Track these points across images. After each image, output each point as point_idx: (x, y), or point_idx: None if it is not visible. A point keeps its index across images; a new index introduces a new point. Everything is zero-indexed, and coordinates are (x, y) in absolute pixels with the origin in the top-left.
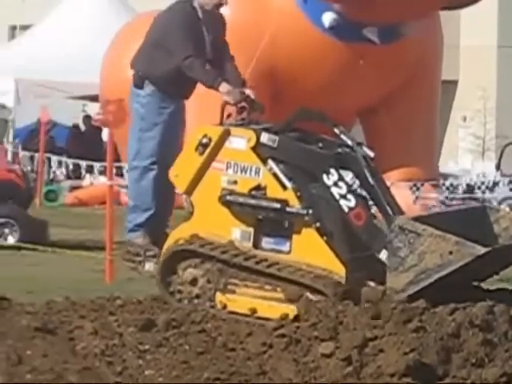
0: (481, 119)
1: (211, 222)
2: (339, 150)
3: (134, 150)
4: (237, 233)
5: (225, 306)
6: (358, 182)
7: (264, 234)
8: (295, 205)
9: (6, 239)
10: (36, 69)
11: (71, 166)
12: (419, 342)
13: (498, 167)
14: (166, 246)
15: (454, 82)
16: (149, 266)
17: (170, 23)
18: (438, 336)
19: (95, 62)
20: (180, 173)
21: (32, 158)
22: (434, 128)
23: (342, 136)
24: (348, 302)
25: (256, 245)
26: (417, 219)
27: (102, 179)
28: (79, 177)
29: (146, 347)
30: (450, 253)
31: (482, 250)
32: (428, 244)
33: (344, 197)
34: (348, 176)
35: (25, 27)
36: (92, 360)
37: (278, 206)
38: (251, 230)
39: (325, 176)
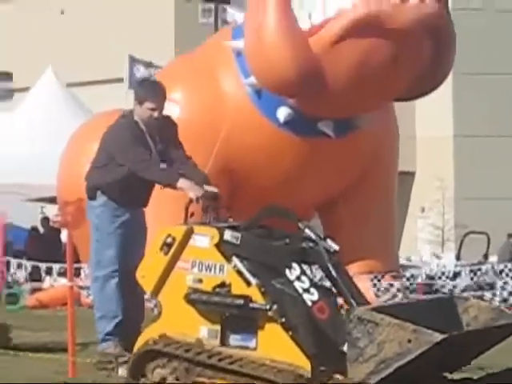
0: (439, 209)
1: (179, 321)
2: (303, 244)
3: (94, 262)
4: (204, 331)
5: None
6: (322, 274)
7: (231, 330)
8: (260, 301)
9: None
10: None
11: (30, 269)
12: None
13: (457, 257)
14: (135, 348)
15: (412, 173)
16: (122, 371)
17: (117, 136)
18: None
19: (52, 163)
20: (146, 273)
21: None
22: (391, 219)
23: (306, 231)
24: None
25: (223, 342)
26: (377, 309)
27: (62, 281)
28: (39, 279)
29: None
30: (409, 341)
31: (439, 337)
32: (386, 333)
33: (307, 291)
34: (311, 269)
35: None
36: None
37: (241, 302)
38: (218, 327)
39: (287, 271)
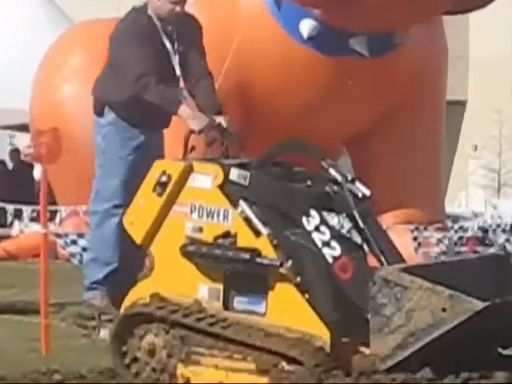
0: (495, 148)
1: (174, 278)
2: (327, 188)
3: (94, 192)
4: (204, 291)
5: (187, 380)
6: (347, 224)
7: (235, 291)
8: (271, 255)
9: None
10: None
11: None
12: None
13: None
14: (122, 307)
15: (462, 103)
16: (104, 332)
17: (123, 37)
18: None
19: (24, 83)
20: (135, 219)
21: None
22: (437, 159)
23: (331, 170)
24: (335, 372)
25: (226, 305)
26: (407, 270)
27: (35, 227)
28: (5, 224)
29: None
30: (443, 310)
31: (480, 306)
32: (417, 299)
33: (327, 244)
34: (334, 218)
35: None
36: None
37: (248, 256)
38: (220, 286)
39: (305, 219)
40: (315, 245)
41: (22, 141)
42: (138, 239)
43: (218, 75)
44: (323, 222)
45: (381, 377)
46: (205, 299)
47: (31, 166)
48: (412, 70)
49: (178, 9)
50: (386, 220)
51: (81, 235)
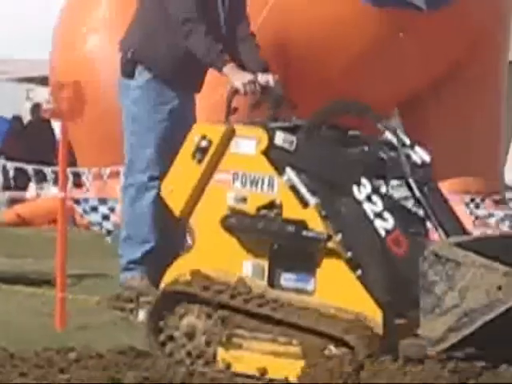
0: None
1: (216, 254)
2: (381, 153)
3: (126, 164)
4: (248, 267)
5: (228, 366)
6: (404, 193)
7: (281, 267)
8: (319, 228)
9: None
10: None
11: (12, 173)
12: None
13: None
14: (161, 286)
15: None
16: (142, 314)
17: None
18: None
19: (44, 33)
20: (175, 188)
21: None
22: (498, 124)
23: (387, 134)
24: (384, 358)
25: (272, 282)
26: (462, 244)
27: (52, 190)
28: (22, 187)
29: None
30: (499, 288)
31: None
32: (471, 277)
33: (380, 215)
34: (389, 187)
35: None
36: None
37: (295, 229)
38: (265, 263)
39: (355, 188)
40: (366, 216)
41: (41, 95)
42: (177, 210)
43: (255, 23)
44: (375, 191)
45: (429, 365)
46: (248, 276)
47: (51, 123)
48: (470, 27)
49: None
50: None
51: (102, 201)
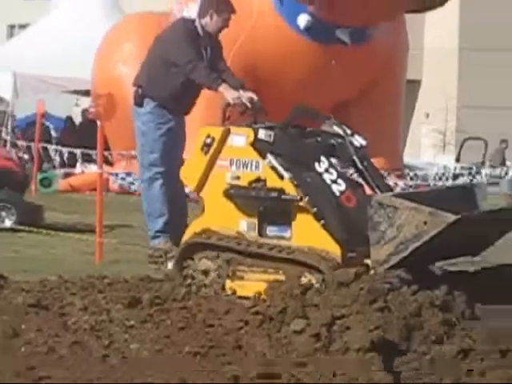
0: (442, 116)
1: (220, 216)
2: (332, 140)
3: (140, 165)
4: (243, 224)
5: (234, 292)
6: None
7: (267, 222)
8: (292, 193)
9: (3, 222)
10: (33, 64)
11: (66, 155)
12: (383, 321)
13: (457, 159)
14: (182, 240)
15: (418, 82)
16: (170, 265)
17: (172, 37)
18: (400, 315)
19: (87, 58)
20: (189, 173)
21: (29, 148)
22: (398, 123)
23: (335, 127)
24: (320, 285)
25: (261, 233)
26: (396, 195)
27: (93, 167)
28: (73, 165)
29: (132, 323)
30: (425, 223)
31: (452, 218)
32: (405, 216)
33: (335, 182)
34: (339, 163)
35: (22, 26)
36: (82, 334)
37: (276, 195)
38: (255, 220)
39: (317, 164)
40: (325, 183)
41: (85, 102)
42: (193, 187)
43: (227, 57)
44: (331, 165)
45: (353, 288)
46: (244, 230)
47: (95, 122)
48: (381, 57)
49: (226, 27)
50: None
51: (128, 174)
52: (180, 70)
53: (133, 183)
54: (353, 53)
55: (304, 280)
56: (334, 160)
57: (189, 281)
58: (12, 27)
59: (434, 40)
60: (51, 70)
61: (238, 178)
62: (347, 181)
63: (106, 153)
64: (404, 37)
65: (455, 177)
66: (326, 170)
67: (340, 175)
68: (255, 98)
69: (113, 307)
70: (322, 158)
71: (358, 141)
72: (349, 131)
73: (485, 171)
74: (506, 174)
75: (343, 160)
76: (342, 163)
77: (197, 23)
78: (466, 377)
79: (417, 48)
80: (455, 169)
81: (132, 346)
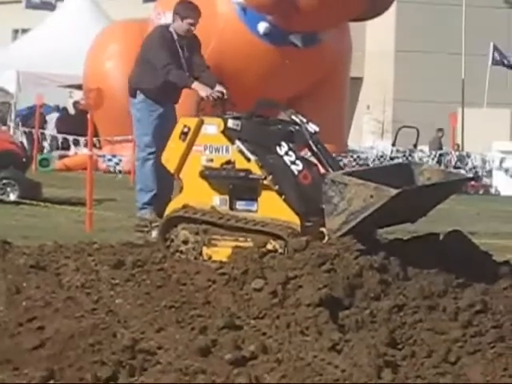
0: (381, 108)
1: (197, 194)
2: (290, 127)
3: (136, 146)
4: (216, 200)
5: (210, 257)
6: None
7: (237, 198)
8: (258, 173)
9: (8, 196)
10: (34, 63)
11: (61, 139)
12: (330, 281)
13: (393, 144)
14: (164, 214)
15: (360, 79)
16: (154, 233)
17: (151, 43)
18: (345, 276)
19: (80, 57)
20: (169, 157)
21: (31, 134)
22: (343, 113)
23: (293, 117)
24: (283, 250)
25: (232, 207)
26: (346, 173)
27: (84, 150)
28: (68, 148)
29: (117, 281)
30: (371, 196)
31: (394, 192)
32: (354, 191)
33: (294, 163)
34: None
35: (25, 30)
36: (74, 291)
37: (244, 174)
38: (227, 196)
39: (278, 148)
40: (286, 164)
41: (78, 95)
42: (172, 170)
43: None
44: (290, 149)
45: (307, 253)
46: (217, 205)
47: (86, 112)
48: (329, 58)
49: (192, 29)
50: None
51: (114, 155)
52: (159, 71)
53: (117, 163)
54: (305, 53)
55: (269, 246)
56: (292, 144)
57: (171, 250)
58: (16, 31)
59: (374, 42)
60: (49, 67)
61: (211, 160)
62: (304, 161)
63: (94, 138)
64: (348, 40)
65: (391, 159)
66: (286, 153)
67: (298, 157)
68: (225, 92)
69: (101, 268)
70: (283, 143)
71: (312, 128)
72: (304, 120)
73: (416, 154)
74: (435, 156)
75: (300, 144)
76: (298, 146)
77: (171, 28)
78: (399, 328)
79: (359, 50)
80: (391, 152)
81: (117, 301)
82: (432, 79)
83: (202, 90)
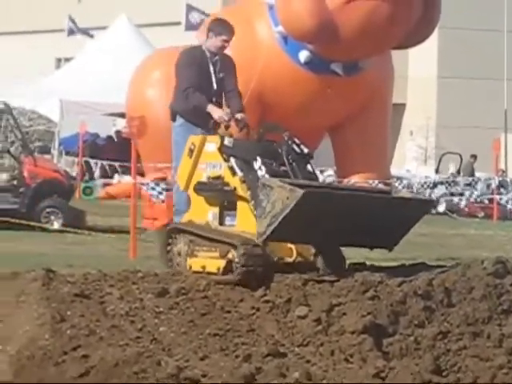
0: (424, 134)
1: (198, 209)
2: (274, 147)
3: (173, 169)
4: (210, 214)
5: (190, 267)
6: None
7: (226, 213)
8: (239, 188)
9: (52, 224)
10: (76, 91)
11: (107, 167)
12: (374, 307)
13: (436, 171)
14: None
15: (403, 105)
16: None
17: (179, 64)
18: (388, 303)
19: (123, 86)
20: (180, 174)
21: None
22: (386, 140)
23: (285, 138)
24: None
25: (221, 222)
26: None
27: (127, 178)
28: (112, 176)
29: (161, 309)
30: (287, 198)
31: (300, 192)
32: (277, 194)
33: (263, 177)
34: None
35: (68, 59)
36: (118, 319)
37: (220, 188)
38: (217, 211)
39: (254, 162)
40: (257, 177)
41: (121, 123)
42: (182, 187)
43: (246, 93)
44: (263, 163)
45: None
46: (211, 220)
47: (130, 140)
48: (371, 85)
49: (226, 45)
50: (353, 178)
51: (157, 184)
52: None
53: (161, 193)
54: (346, 83)
55: (229, 255)
56: (268, 160)
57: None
58: (59, 60)
59: (416, 69)
60: (92, 96)
61: (209, 177)
62: (275, 176)
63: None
64: (390, 67)
65: (435, 185)
66: (259, 168)
67: (268, 172)
68: (242, 118)
69: (145, 296)
70: (258, 158)
71: (302, 149)
72: (297, 141)
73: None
74: (476, 182)
75: (278, 161)
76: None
77: (203, 47)
78: (443, 355)
79: (401, 76)
80: (435, 179)
81: (161, 329)
82: (474, 105)
83: (215, 113)
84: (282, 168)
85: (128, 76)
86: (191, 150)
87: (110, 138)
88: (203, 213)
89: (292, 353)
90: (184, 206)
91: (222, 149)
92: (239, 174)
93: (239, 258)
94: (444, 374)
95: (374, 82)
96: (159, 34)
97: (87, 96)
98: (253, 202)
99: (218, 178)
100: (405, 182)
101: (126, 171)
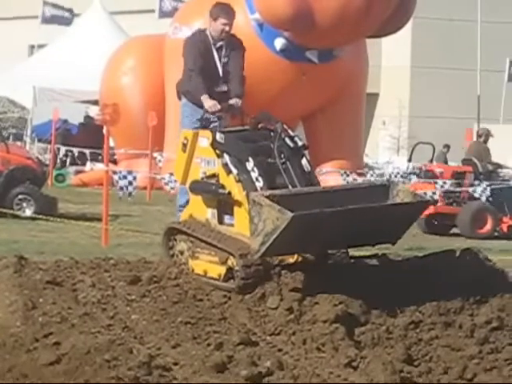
0: (396, 123)
1: (197, 205)
2: (266, 141)
3: None
4: (209, 213)
5: (193, 270)
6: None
7: (223, 212)
8: (238, 190)
9: (24, 211)
10: (50, 79)
11: (76, 154)
12: (346, 297)
13: (409, 160)
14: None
15: (376, 94)
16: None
17: (185, 48)
18: (360, 293)
19: (96, 73)
20: (176, 168)
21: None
22: (360, 129)
23: (278, 129)
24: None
25: (220, 221)
26: (270, 195)
27: (100, 165)
28: (84, 164)
29: (133, 297)
30: (277, 219)
31: (290, 215)
32: (267, 213)
33: (257, 179)
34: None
35: (41, 46)
36: (90, 307)
37: (213, 188)
38: (215, 210)
39: (247, 163)
40: (252, 180)
41: (94, 110)
42: (179, 180)
43: None
44: (255, 164)
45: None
46: (209, 218)
47: (102, 126)
48: (345, 74)
49: (227, 28)
50: (325, 166)
51: (129, 172)
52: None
53: (131, 183)
54: (320, 70)
55: (229, 262)
56: (259, 158)
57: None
58: (32, 47)
59: (390, 58)
60: (65, 83)
61: (205, 173)
62: (267, 178)
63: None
64: (364, 56)
65: (407, 175)
66: (252, 169)
67: (260, 173)
68: (235, 104)
69: (117, 284)
70: (250, 159)
71: (296, 142)
72: (291, 133)
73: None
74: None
75: (271, 157)
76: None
77: (207, 31)
78: (415, 345)
79: (375, 65)
80: (407, 168)
81: (133, 317)
82: (448, 95)
83: (206, 103)
84: (276, 165)
85: (102, 63)
86: (184, 145)
87: (82, 125)
88: (202, 210)
89: (264, 341)
90: (183, 199)
91: (214, 144)
92: (234, 171)
93: (239, 271)
94: (416, 363)
95: (348, 69)
96: (133, 22)
97: (61, 83)
98: (248, 205)
99: (213, 176)
100: (378, 171)
101: (96, 158)
